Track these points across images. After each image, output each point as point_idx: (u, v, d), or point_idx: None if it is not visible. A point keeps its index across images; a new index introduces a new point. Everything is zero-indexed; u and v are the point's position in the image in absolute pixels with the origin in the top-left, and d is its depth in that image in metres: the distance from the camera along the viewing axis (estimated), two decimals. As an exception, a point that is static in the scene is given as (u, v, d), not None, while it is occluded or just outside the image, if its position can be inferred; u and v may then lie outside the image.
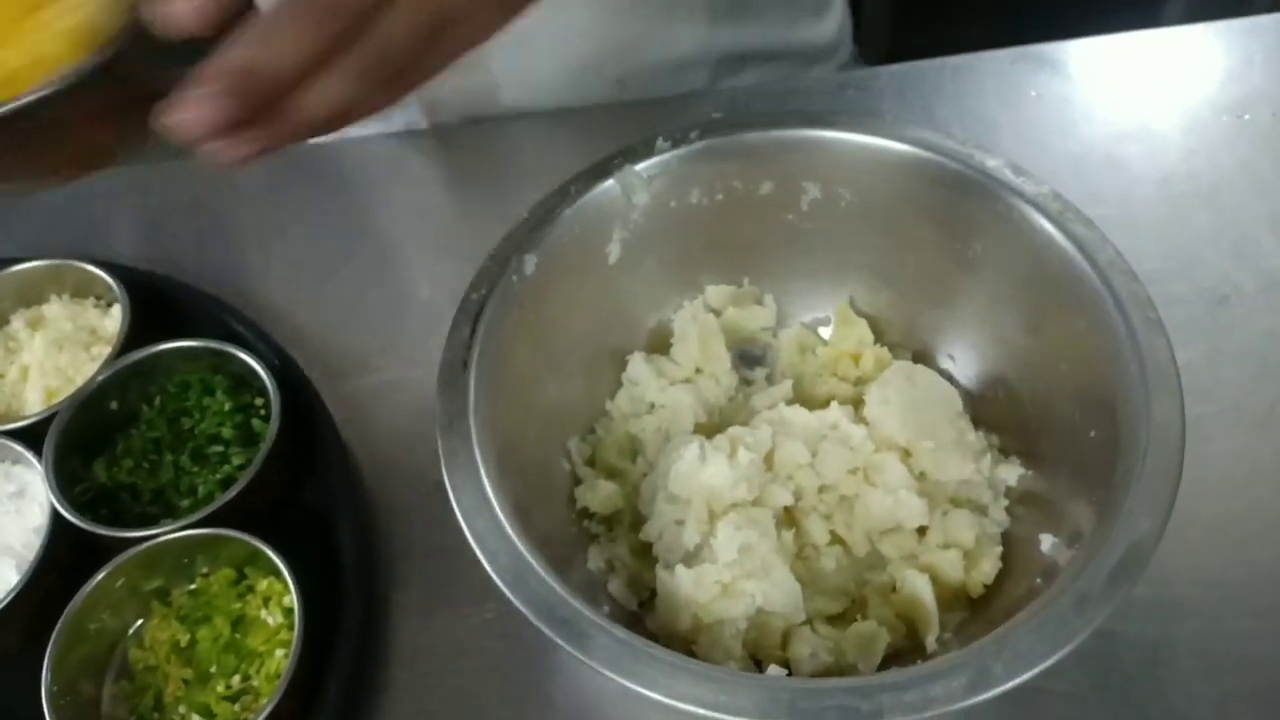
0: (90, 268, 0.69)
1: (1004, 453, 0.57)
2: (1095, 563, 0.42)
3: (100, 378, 0.62)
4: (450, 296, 0.52)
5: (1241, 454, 0.60)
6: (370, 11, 0.37)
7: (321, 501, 0.61)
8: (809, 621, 0.51)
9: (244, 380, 0.64)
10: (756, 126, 0.58)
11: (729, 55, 0.84)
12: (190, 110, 0.35)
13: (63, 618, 0.52)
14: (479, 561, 0.44)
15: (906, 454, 0.55)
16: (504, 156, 0.80)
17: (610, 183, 0.57)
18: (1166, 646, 0.53)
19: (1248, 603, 0.55)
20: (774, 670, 0.48)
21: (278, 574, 0.54)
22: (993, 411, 0.58)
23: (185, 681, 0.54)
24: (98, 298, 0.70)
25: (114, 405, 0.63)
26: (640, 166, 0.57)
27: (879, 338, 0.61)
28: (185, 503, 0.60)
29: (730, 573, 0.50)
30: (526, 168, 0.77)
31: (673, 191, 0.58)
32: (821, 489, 0.54)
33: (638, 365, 0.60)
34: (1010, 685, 0.39)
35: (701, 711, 0.39)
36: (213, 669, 0.54)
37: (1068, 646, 0.39)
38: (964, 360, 0.60)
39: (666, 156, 0.58)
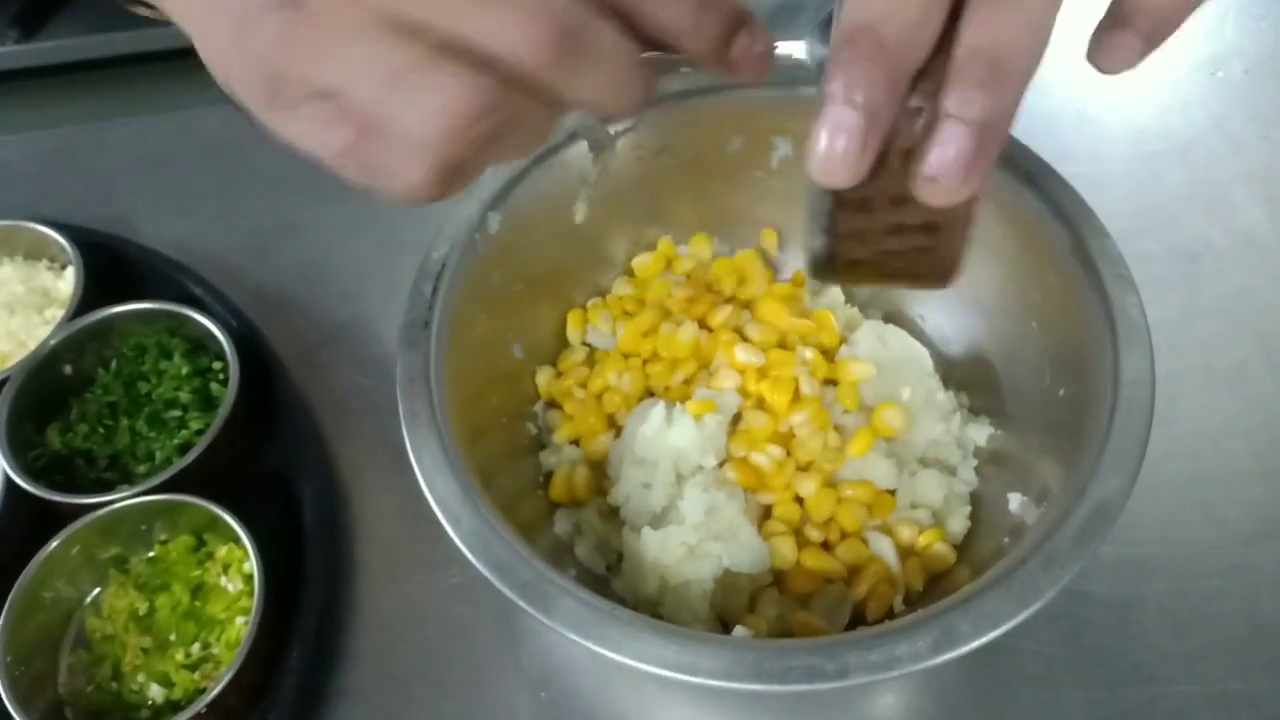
0: (43, 229, 0.67)
1: (973, 412, 0.56)
2: (1063, 521, 0.41)
3: (53, 341, 0.60)
4: (414, 257, 0.51)
5: (1211, 411, 0.60)
6: None
7: (282, 466, 0.60)
8: (776, 583, 0.51)
9: (202, 343, 0.62)
10: (726, 84, 0.57)
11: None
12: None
13: (16, 587, 0.51)
14: (442, 525, 0.43)
15: (876, 414, 0.54)
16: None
17: (577, 140, 0.55)
18: (1135, 605, 0.53)
19: (1215, 560, 0.55)
20: (740, 631, 0.48)
21: (237, 540, 0.53)
22: (962, 371, 0.57)
23: (144, 650, 0.53)
24: (51, 259, 0.68)
25: (68, 369, 0.61)
26: (607, 124, 0.56)
27: (849, 297, 0.61)
28: (142, 468, 0.58)
29: (697, 534, 0.49)
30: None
31: (641, 149, 0.57)
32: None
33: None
34: (977, 644, 0.38)
35: (667, 673, 0.38)
36: (172, 637, 0.53)
37: (1035, 605, 0.39)
38: (934, 320, 0.59)
39: (633, 112, 0.56)
